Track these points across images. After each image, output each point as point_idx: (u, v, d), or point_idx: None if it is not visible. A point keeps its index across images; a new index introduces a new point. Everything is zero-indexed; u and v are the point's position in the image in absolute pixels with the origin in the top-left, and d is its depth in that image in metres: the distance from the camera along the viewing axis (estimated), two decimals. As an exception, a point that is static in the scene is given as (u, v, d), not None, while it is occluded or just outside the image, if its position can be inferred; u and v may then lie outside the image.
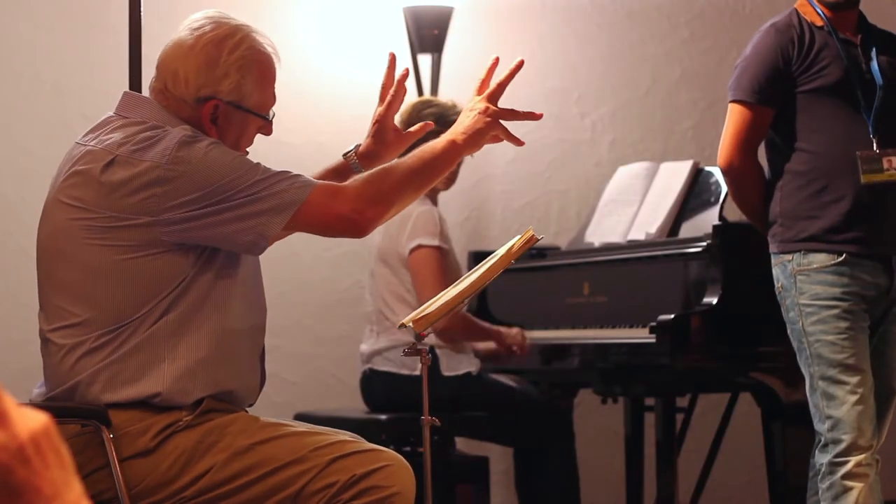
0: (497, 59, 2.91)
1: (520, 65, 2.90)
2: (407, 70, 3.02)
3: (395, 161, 2.83)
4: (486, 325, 4.72)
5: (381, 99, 3.00)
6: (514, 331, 4.71)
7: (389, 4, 5.55)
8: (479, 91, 2.89)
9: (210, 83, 2.71)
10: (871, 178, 3.66)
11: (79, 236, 2.66)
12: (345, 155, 3.03)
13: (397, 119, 4.66)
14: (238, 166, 2.65)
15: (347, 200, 2.69)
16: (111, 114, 2.77)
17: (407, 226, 4.63)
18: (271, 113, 2.82)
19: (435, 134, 4.62)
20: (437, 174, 2.84)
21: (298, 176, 2.69)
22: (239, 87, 2.72)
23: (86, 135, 2.76)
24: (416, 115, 4.65)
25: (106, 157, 2.65)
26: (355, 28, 5.61)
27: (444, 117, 4.68)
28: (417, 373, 4.58)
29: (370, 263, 4.80)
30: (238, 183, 2.63)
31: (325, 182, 2.73)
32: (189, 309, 2.67)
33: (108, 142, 2.67)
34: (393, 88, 3.00)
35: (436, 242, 4.60)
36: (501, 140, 2.90)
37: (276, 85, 2.87)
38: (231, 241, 2.66)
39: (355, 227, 2.71)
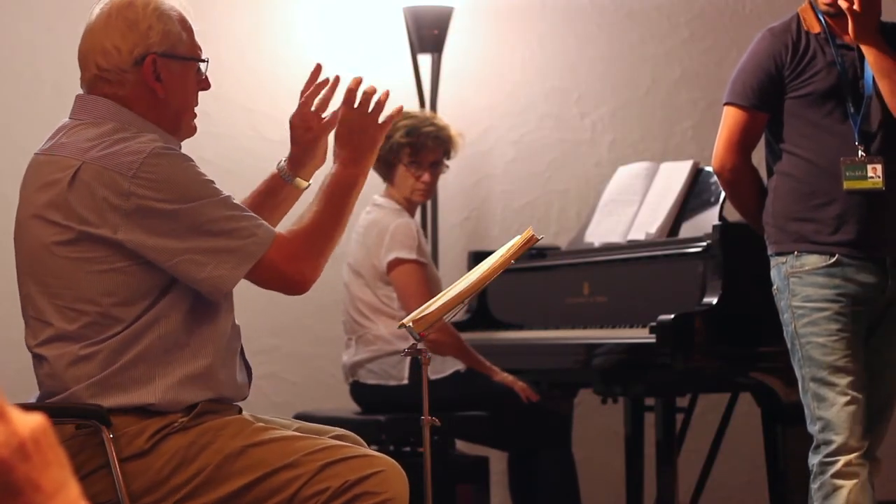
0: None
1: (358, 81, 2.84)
2: (327, 80, 2.96)
3: (316, 213, 2.76)
4: (485, 361, 4.67)
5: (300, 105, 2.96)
6: (511, 378, 4.68)
7: (389, 4, 5.55)
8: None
9: (140, 40, 2.69)
10: (854, 185, 3.67)
11: (54, 251, 2.63)
12: (277, 166, 3.00)
13: None
14: (206, 192, 2.62)
15: (295, 264, 2.69)
16: (67, 119, 2.76)
17: (385, 238, 4.62)
18: (204, 58, 2.79)
19: (409, 146, 4.67)
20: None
21: (260, 224, 2.66)
22: (166, 34, 2.70)
23: (45, 144, 2.74)
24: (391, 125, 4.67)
25: (72, 164, 2.62)
26: (355, 28, 5.61)
27: (417, 128, 4.69)
28: (405, 382, 4.58)
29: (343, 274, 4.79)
30: (204, 211, 2.60)
31: (281, 237, 2.68)
32: (179, 321, 2.65)
33: (71, 147, 2.65)
34: (307, 91, 2.95)
35: (413, 256, 4.60)
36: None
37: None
38: (189, 282, 2.64)
39: (298, 290, 2.75)
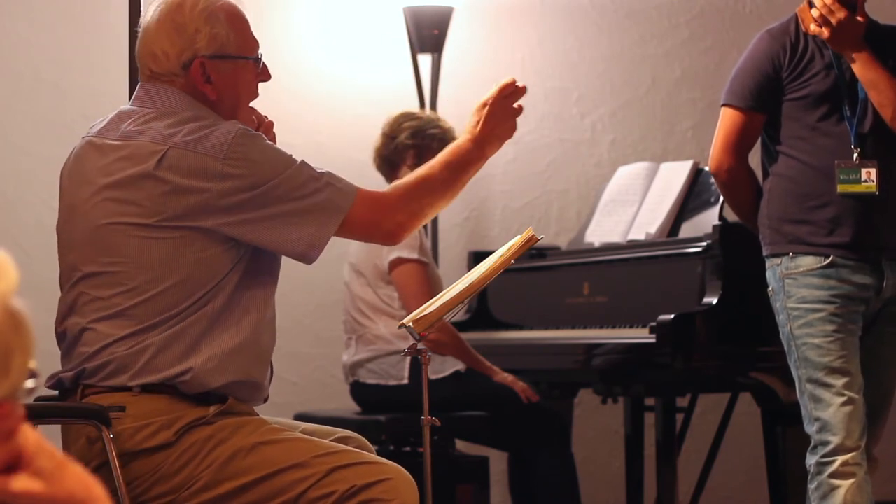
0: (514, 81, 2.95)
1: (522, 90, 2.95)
2: None
3: (429, 171, 2.84)
4: (485, 361, 4.67)
5: None
6: (511, 378, 4.68)
7: (389, 4, 5.55)
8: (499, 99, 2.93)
9: (187, 46, 2.73)
10: (848, 188, 3.67)
11: (128, 233, 2.66)
12: None
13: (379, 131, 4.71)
14: (288, 163, 2.69)
15: (390, 213, 2.77)
16: (130, 106, 2.77)
17: None
18: (259, 54, 2.81)
19: (414, 147, 4.67)
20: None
21: (341, 179, 2.73)
22: (214, 37, 2.73)
23: (104, 130, 2.74)
24: (396, 126, 4.67)
25: (157, 149, 2.65)
26: (355, 28, 5.61)
27: (422, 130, 4.68)
28: (405, 381, 4.58)
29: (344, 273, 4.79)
30: (290, 181, 2.67)
31: (365, 190, 2.76)
32: (233, 298, 2.69)
33: (151, 133, 2.67)
34: None
35: (415, 256, 4.60)
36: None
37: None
38: (283, 247, 2.69)
39: (393, 239, 2.83)
